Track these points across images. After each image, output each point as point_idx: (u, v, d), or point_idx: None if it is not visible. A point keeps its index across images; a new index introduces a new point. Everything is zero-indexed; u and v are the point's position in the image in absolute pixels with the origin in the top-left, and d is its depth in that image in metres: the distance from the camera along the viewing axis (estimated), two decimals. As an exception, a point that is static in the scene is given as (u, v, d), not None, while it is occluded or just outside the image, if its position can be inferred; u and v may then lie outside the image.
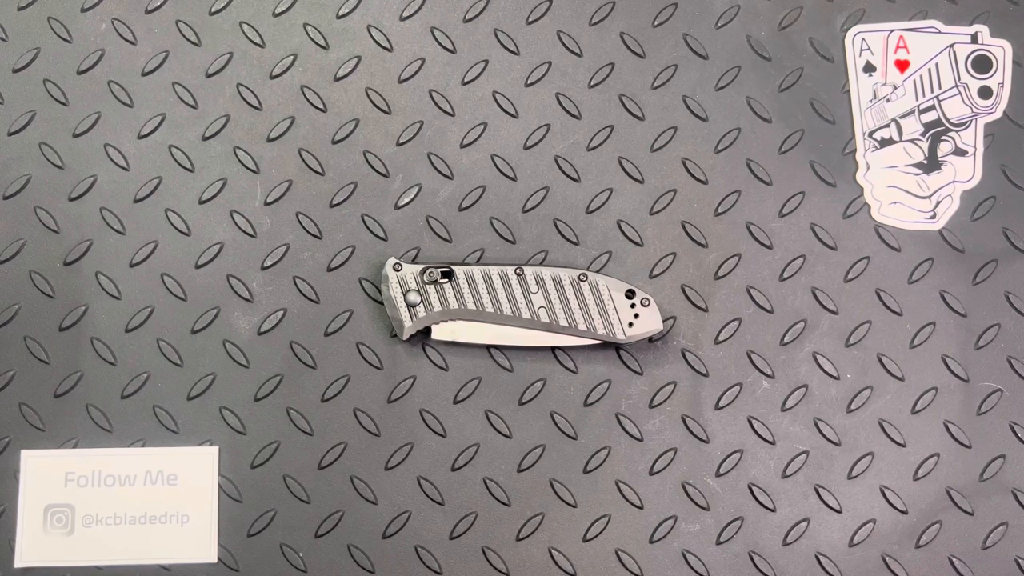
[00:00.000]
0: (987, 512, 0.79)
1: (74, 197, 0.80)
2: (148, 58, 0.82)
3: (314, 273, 0.80)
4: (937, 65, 0.84)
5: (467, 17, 0.84)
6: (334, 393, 0.79)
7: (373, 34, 0.83)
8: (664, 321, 0.80)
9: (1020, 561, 0.79)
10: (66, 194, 0.80)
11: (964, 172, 0.83)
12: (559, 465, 0.79)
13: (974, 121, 0.83)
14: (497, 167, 0.82)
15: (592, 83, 0.83)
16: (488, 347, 0.80)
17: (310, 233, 0.81)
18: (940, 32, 0.84)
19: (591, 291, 0.79)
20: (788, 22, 0.84)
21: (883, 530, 0.79)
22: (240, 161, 0.81)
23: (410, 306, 0.78)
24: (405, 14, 0.84)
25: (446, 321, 0.79)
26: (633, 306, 0.79)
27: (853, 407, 0.80)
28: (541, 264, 0.81)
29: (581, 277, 0.79)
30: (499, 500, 0.78)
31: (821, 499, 0.79)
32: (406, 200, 0.81)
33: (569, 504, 0.79)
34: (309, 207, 0.81)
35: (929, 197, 0.83)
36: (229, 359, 0.79)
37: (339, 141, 0.82)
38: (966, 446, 0.80)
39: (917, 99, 0.84)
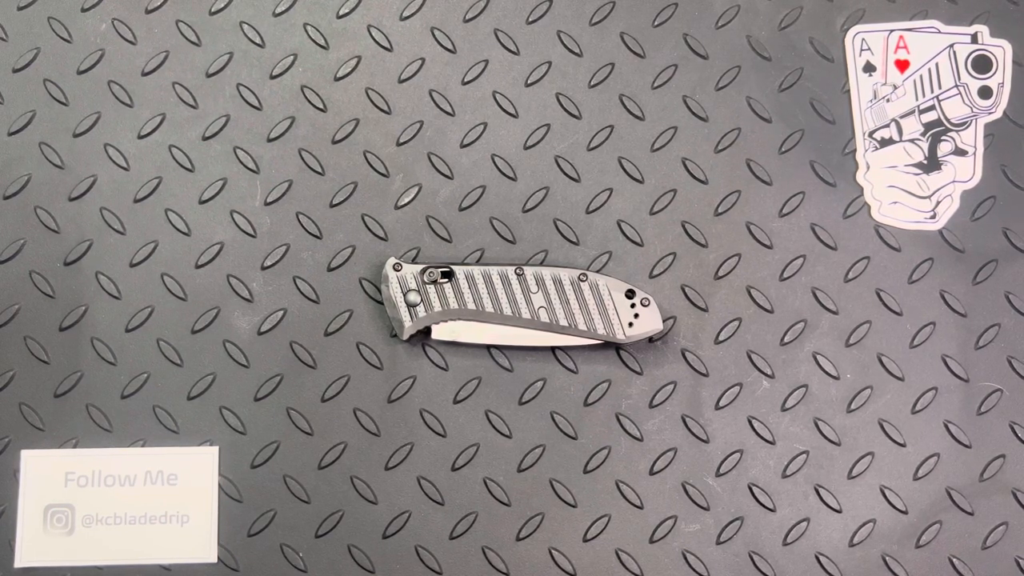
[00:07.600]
0: (987, 512, 0.79)
1: (74, 197, 0.80)
2: (148, 58, 0.82)
3: (314, 273, 0.80)
4: (937, 65, 0.84)
5: (467, 17, 0.84)
6: (334, 393, 0.79)
7: (373, 34, 0.83)
8: (664, 321, 0.80)
9: (1020, 561, 0.79)
10: (66, 194, 0.80)
11: (964, 172, 0.83)
12: (559, 465, 0.79)
13: (974, 121, 0.83)
14: (497, 167, 0.82)
15: (592, 83, 0.83)
16: (488, 347, 0.80)
17: (310, 233, 0.81)
18: (940, 32, 0.84)
19: (591, 291, 0.79)
20: (788, 22, 0.84)
21: (883, 530, 0.79)
22: (240, 161, 0.81)
23: (410, 306, 0.78)
24: (405, 14, 0.84)
25: (446, 321, 0.79)
26: (633, 306, 0.79)
27: (853, 407, 0.80)
28: (541, 264, 0.81)
29: (581, 277, 0.79)
30: (499, 500, 0.78)
31: (821, 499, 0.79)
32: (406, 200, 0.81)
33: (569, 504, 0.79)
34: (309, 207, 0.81)
35: (929, 197, 0.83)
36: (229, 359, 0.79)
37: (339, 141, 0.82)
38: (966, 446, 0.80)
39: (917, 99, 0.83)
